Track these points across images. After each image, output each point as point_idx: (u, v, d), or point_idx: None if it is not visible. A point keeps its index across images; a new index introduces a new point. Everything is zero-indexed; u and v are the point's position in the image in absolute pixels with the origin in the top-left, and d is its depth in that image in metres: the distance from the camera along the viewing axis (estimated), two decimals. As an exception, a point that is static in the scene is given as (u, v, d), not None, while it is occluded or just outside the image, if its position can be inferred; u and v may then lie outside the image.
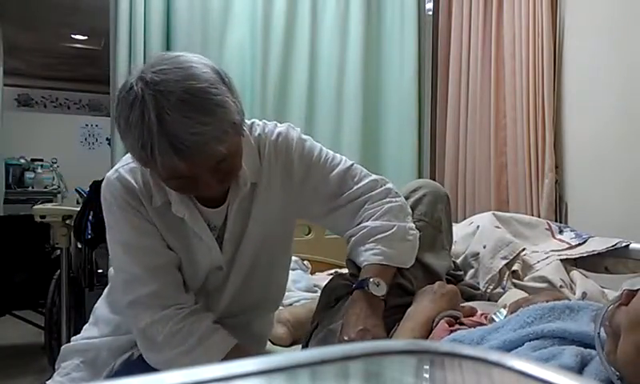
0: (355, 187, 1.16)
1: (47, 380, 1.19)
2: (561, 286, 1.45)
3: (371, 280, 1.08)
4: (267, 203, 1.12)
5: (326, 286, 1.35)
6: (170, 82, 0.88)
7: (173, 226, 1.06)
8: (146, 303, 1.04)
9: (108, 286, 1.26)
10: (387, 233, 1.13)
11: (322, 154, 1.16)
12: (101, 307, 1.25)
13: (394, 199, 1.18)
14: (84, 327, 1.25)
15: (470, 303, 1.26)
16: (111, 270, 1.24)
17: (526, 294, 1.29)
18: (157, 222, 1.05)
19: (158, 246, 1.06)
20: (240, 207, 1.10)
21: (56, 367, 1.21)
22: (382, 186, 1.18)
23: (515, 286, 1.51)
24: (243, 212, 1.10)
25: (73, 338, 1.24)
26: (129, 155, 1.06)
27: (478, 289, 1.50)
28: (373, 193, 1.16)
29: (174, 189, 1.00)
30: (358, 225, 1.16)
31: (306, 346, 1.28)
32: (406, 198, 1.34)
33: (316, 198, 1.16)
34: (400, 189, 1.34)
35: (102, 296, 1.27)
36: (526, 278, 1.55)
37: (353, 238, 1.16)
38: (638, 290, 0.65)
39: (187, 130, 0.87)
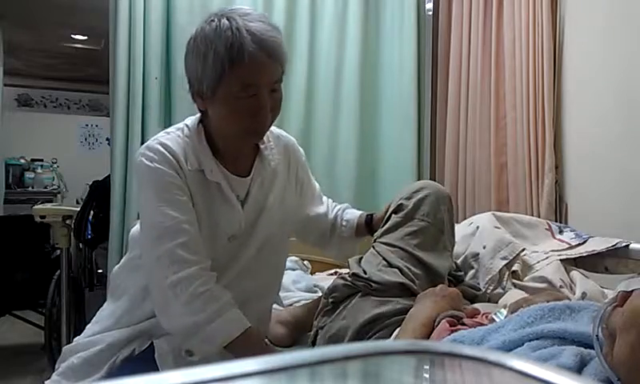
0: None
1: (46, 380, 1.19)
2: (561, 286, 1.45)
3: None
4: (284, 189, 1.29)
5: (327, 288, 1.35)
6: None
7: (202, 191, 1.16)
8: (173, 255, 1.08)
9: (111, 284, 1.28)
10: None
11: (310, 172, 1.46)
12: (105, 306, 1.27)
13: None
14: (87, 327, 1.26)
15: (471, 304, 1.27)
16: (111, 272, 1.26)
17: (526, 294, 1.29)
18: (190, 185, 1.14)
19: (189, 204, 1.13)
20: (262, 184, 1.24)
21: (56, 367, 1.21)
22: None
23: (515, 286, 1.50)
24: (265, 189, 1.25)
25: (75, 339, 1.25)
26: (163, 132, 1.21)
27: (479, 289, 1.50)
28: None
29: (234, 111, 1.10)
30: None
31: None
32: (409, 199, 1.36)
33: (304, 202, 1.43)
34: (402, 189, 1.45)
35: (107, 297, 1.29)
36: (525, 278, 1.54)
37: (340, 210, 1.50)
38: (632, 291, 0.65)
39: (267, 32, 1.08)
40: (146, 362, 1.13)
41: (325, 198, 1.52)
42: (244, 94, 1.09)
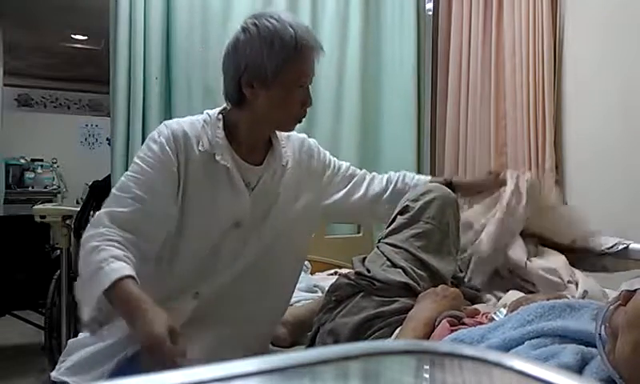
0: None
1: (52, 372, 1.19)
2: (569, 281, 1.44)
3: None
4: (295, 188, 1.33)
5: (330, 285, 1.35)
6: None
7: (209, 174, 1.21)
8: (98, 217, 1.12)
9: None
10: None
11: (331, 157, 1.48)
12: None
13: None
14: None
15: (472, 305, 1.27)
16: None
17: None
18: (198, 168, 1.20)
19: (161, 188, 1.17)
20: (274, 176, 1.28)
21: (60, 360, 1.20)
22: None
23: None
24: (276, 182, 1.29)
25: (81, 333, 1.24)
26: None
27: (480, 290, 1.50)
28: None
29: (289, 98, 1.22)
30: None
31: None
32: (415, 201, 1.36)
33: (334, 182, 1.45)
34: (409, 192, 1.45)
35: None
36: (536, 265, 1.52)
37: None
38: (636, 290, 0.65)
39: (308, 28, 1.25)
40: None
41: (364, 176, 1.50)
42: (298, 83, 1.22)
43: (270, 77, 1.18)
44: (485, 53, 2.31)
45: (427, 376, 0.39)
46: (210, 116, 1.28)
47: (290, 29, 1.18)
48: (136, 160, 1.20)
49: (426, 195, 1.37)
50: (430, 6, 2.64)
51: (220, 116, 1.27)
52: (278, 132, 1.33)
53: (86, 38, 5.11)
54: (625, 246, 1.55)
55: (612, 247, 1.56)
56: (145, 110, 2.15)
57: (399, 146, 2.56)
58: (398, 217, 1.39)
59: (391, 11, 2.61)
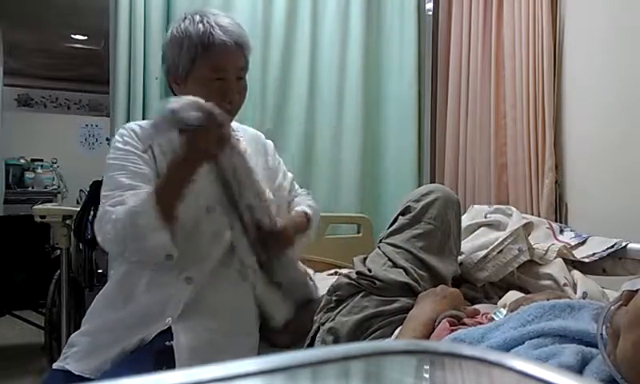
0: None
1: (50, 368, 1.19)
2: (564, 284, 1.45)
3: None
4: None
5: (331, 285, 1.35)
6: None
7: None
8: (107, 212, 1.16)
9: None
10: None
11: (284, 166, 1.55)
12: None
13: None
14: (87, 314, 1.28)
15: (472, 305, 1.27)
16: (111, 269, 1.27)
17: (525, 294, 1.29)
18: (161, 159, 1.25)
19: (146, 171, 1.22)
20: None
21: (63, 352, 1.21)
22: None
23: (519, 280, 1.50)
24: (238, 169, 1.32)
25: (82, 324, 1.26)
26: None
27: (480, 290, 1.50)
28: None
29: (206, 93, 1.19)
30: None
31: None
32: (417, 201, 1.36)
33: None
34: (410, 192, 1.46)
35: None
36: (531, 274, 1.53)
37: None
38: (637, 290, 0.65)
39: (232, 26, 1.27)
40: (162, 352, 1.15)
41: (301, 192, 1.57)
42: (214, 76, 1.25)
43: (182, 75, 1.26)
44: (485, 53, 2.31)
45: (427, 376, 0.39)
46: None
47: (201, 27, 1.23)
48: (109, 162, 1.24)
49: (427, 196, 1.36)
50: (430, 6, 2.64)
51: None
52: (232, 123, 1.34)
53: (86, 38, 5.11)
54: (623, 245, 1.55)
55: (611, 247, 1.56)
56: (145, 110, 2.15)
57: (400, 148, 2.57)
58: (400, 217, 1.38)
59: (391, 12, 2.61)
